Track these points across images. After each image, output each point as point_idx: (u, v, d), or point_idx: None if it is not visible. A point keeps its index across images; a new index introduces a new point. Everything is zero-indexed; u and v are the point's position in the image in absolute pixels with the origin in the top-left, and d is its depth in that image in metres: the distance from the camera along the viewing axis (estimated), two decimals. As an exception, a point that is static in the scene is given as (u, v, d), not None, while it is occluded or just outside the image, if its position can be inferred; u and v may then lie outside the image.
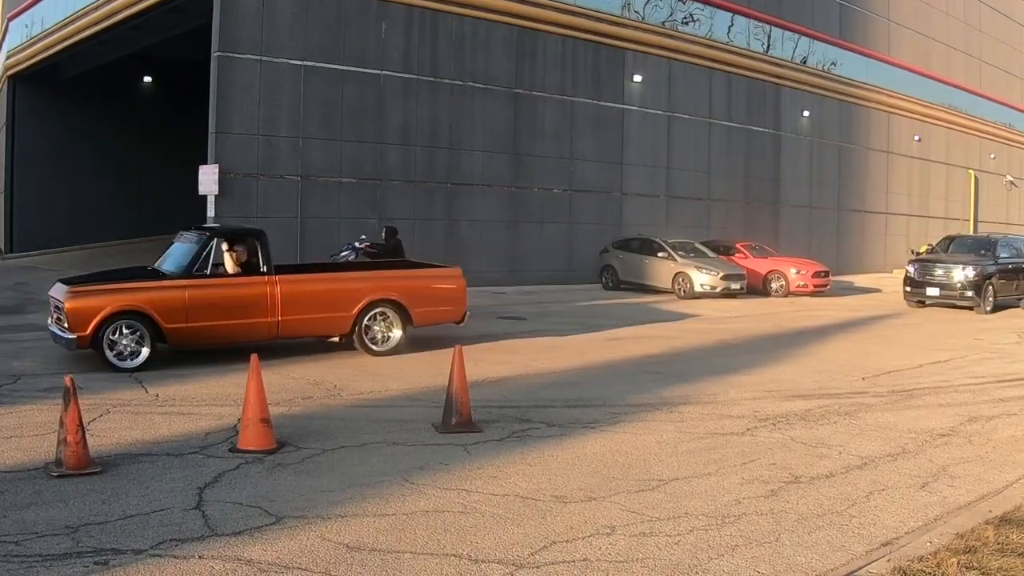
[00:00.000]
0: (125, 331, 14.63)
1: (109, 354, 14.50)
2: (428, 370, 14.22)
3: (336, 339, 16.70)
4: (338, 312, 16.00)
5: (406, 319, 16.44)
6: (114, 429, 10.60)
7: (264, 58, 27.89)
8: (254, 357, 9.69)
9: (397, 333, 16.37)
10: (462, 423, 10.47)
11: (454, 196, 31.96)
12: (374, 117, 30.05)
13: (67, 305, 14.52)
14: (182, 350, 15.45)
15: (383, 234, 23.93)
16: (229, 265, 15.93)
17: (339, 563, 6.41)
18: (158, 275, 15.68)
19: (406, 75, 30.58)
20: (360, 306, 16.07)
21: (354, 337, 16.17)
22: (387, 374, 14.42)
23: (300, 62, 28.44)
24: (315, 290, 16.13)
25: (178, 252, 16.17)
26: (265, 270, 15.74)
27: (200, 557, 6.56)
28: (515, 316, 22.98)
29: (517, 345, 18.12)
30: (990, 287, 27.78)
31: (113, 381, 13.62)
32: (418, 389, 13.02)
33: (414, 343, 16.66)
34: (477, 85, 32.16)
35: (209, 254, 15.55)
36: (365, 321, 16.16)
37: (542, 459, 9.30)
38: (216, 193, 26.87)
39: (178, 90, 42.77)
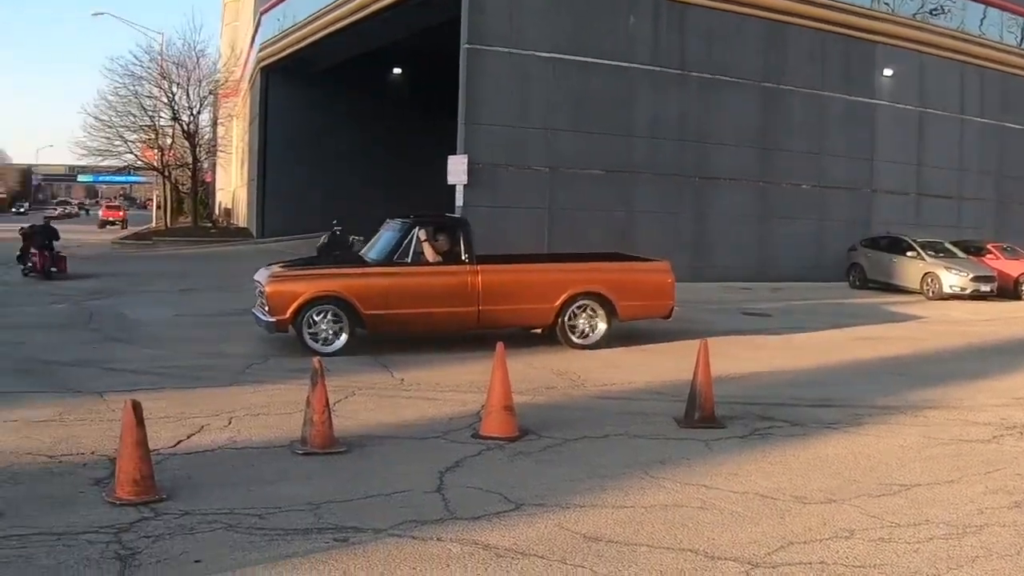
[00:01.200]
0: (324, 317, 15.07)
1: (308, 338, 14.98)
2: (672, 363, 14.16)
3: (538, 330, 16.64)
4: (540, 303, 15.92)
5: (611, 312, 16.17)
6: (359, 411, 10.98)
7: (513, 50, 28.27)
8: (500, 346, 9.86)
9: (602, 326, 16.14)
10: (704, 418, 10.39)
11: (702, 190, 31.73)
12: (622, 110, 30.07)
13: (267, 290, 15.11)
14: (404, 337, 15.98)
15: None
16: (429, 254, 15.97)
17: (575, 552, 6.44)
18: (362, 262, 16.12)
19: (654, 68, 30.51)
20: (563, 298, 15.93)
21: (556, 329, 16.06)
22: (631, 366, 14.44)
23: (548, 54, 28.71)
24: (517, 280, 16.12)
25: (382, 240, 16.58)
26: (467, 259, 15.81)
27: (438, 539, 6.69)
28: (760, 312, 22.68)
29: (762, 341, 17.89)
30: None
31: (360, 364, 14.10)
32: (661, 382, 12.98)
33: (659, 335, 16.61)
34: (725, 78, 31.80)
35: (411, 242, 15.76)
36: (568, 313, 16.03)
37: (783, 458, 9.16)
38: (465, 183, 27.38)
39: (430, 81, 43.67)
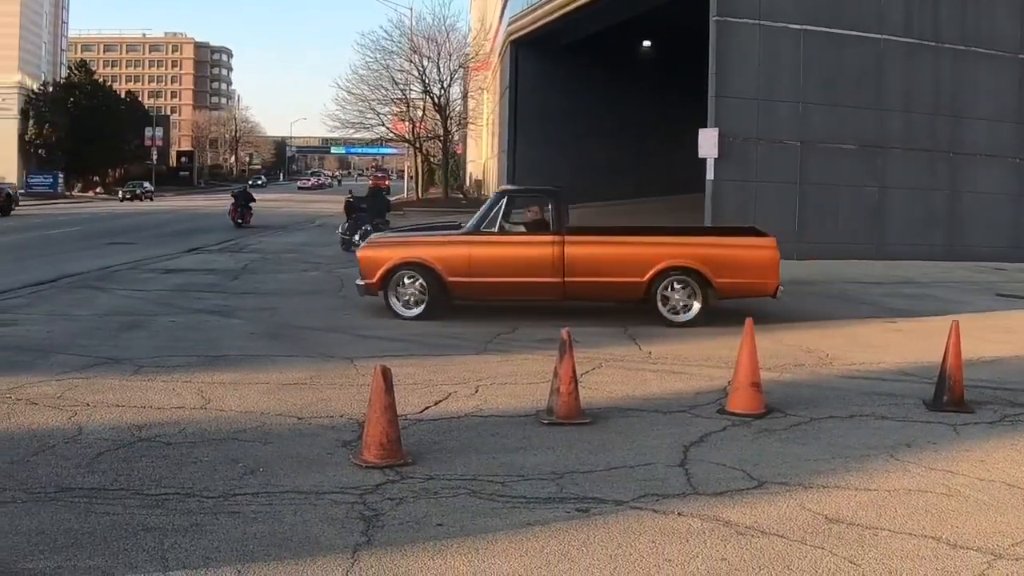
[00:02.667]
0: (412, 282, 15.81)
1: (393, 302, 15.92)
2: (923, 344, 13.83)
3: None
4: (629, 277, 15.61)
5: (707, 289, 15.62)
6: (606, 383, 11.14)
7: (763, 22, 27.97)
8: (749, 321, 9.86)
9: (696, 304, 15.65)
10: (953, 402, 10.15)
11: (956, 166, 30.66)
12: (874, 83, 29.35)
13: (360, 255, 16.30)
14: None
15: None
16: (522, 223, 16.38)
17: (816, 534, 6.44)
18: (451, 231, 16.72)
19: (906, 39, 29.61)
20: (653, 272, 15.55)
21: (652, 304, 15.74)
22: (881, 346, 14.19)
23: (799, 26, 28.27)
24: (605, 253, 15.91)
25: (479, 211, 16.85)
26: (554, 230, 15.84)
27: (679, 514, 6.76)
28: (1015, 294, 21.87)
29: (1016, 324, 17.16)
30: None
31: (608, 337, 14.30)
32: (911, 363, 12.71)
33: (908, 314, 16.23)
34: (980, 50, 30.52)
35: (497, 212, 15.96)
36: (662, 288, 15.66)
37: (1034, 447, 8.93)
38: (716, 156, 27.30)
39: (676, 54, 43.47)
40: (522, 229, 16.46)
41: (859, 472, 7.90)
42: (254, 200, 45.85)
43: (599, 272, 15.78)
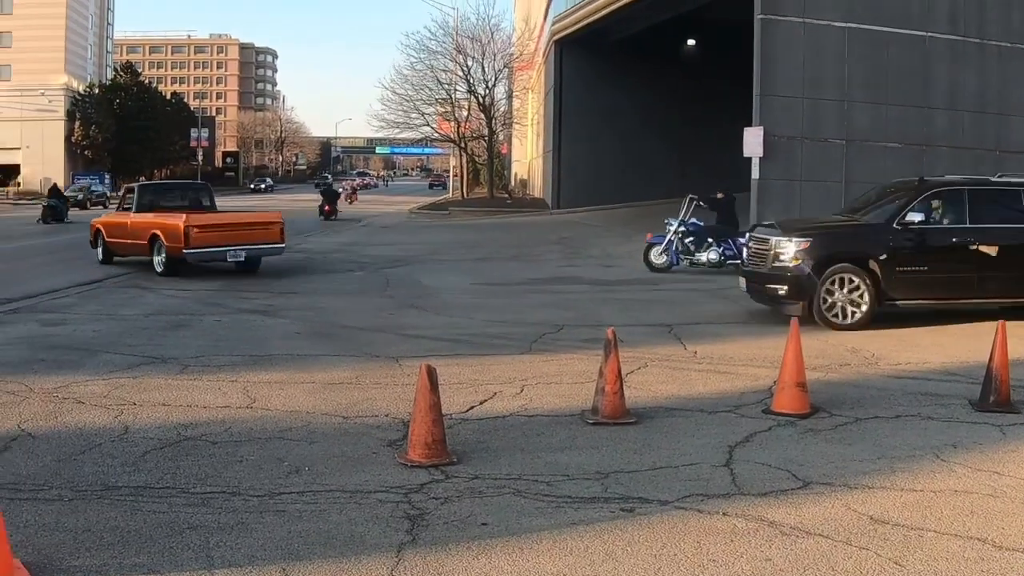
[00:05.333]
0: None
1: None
2: (970, 344, 13.75)
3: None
4: None
5: None
6: (650, 382, 11.17)
7: (807, 20, 27.82)
8: (794, 321, 9.88)
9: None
10: (1000, 402, 10.10)
11: (1002, 164, 30.31)
12: (919, 80, 29.14)
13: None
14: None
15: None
16: None
17: (861, 535, 6.44)
18: None
19: (952, 36, 29.36)
20: None
21: None
22: (927, 346, 14.11)
23: (843, 24, 28.10)
24: None
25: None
26: None
27: (724, 514, 6.79)
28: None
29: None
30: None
31: (653, 336, 14.36)
32: (957, 364, 12.64)
33: (958, 316, 16.07)
34: (1025, 47, 30.30)
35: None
36: None
37: (1082, 447, 8.86)
38: (761, 155, 27.21)
39: (721, 52, 43.35)
40: None
41: (904, 473, 7.90)
42: (338, 195, 55.21)
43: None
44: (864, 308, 15.28)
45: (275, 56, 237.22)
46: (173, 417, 9.34)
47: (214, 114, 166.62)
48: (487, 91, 63.77)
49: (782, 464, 8.03)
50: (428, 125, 67.95)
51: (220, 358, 12.37)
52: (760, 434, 9.03)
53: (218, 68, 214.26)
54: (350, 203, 68.51)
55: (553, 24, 51.01)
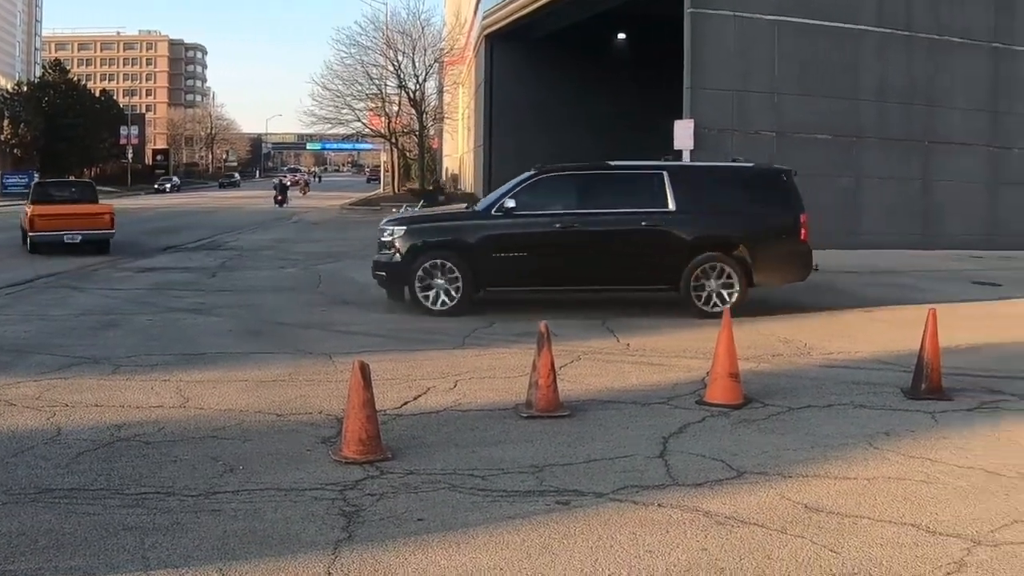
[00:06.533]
0: None
1: None
2: (900, 333, 13.87)
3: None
4: None
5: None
6: (584, 375, 11.15)
7: (737, 14, 28.06)
8: (726, 311, 9.98)
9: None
10: (931, 390, 10.19)
11: (930, 155, 30.81)
12: (848, 73, 29.51)
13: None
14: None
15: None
16: None
17: (796, 523, 6.46)
18: None
19: (880, 29, 29.75)
20: None
21: None
22: (858, 335, 14.25)
23: (773, 17, 28.37)
24: None
25: None
26: None
27: (659, 505, 6.78)
28: (991, 282, 21.97)
29: (992, 312, 17.34)
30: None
31: (586, 329, 14.30)
32: (888, 352, 12.75)
33: (888, 304, 16.21)
34: (953, 39, 30.70)
35: None
36: None
37: (1011, 433, 8.91)
38: (691, 148, 27.35)
39: (651, 46, 43.51)
40: None
41: (838, 461, 7.93)
42: (288, 188, 65.76)
43: None
44: (456, 294, 15.54)
45: (205, 52, 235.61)
46: (106, 418, 9.15)
47: (144, 111, 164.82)
48: (418, 86, 63.64)
49: (716, 455, 8.02)
50: (359, 120, 67.65)
51: (152, 357, 12.17)
52: (694, 425, 9.03)
53: (148, 65, 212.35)
54: (303, 194, 78.94)
55: (483, 19, 50.94)
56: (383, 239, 16.24)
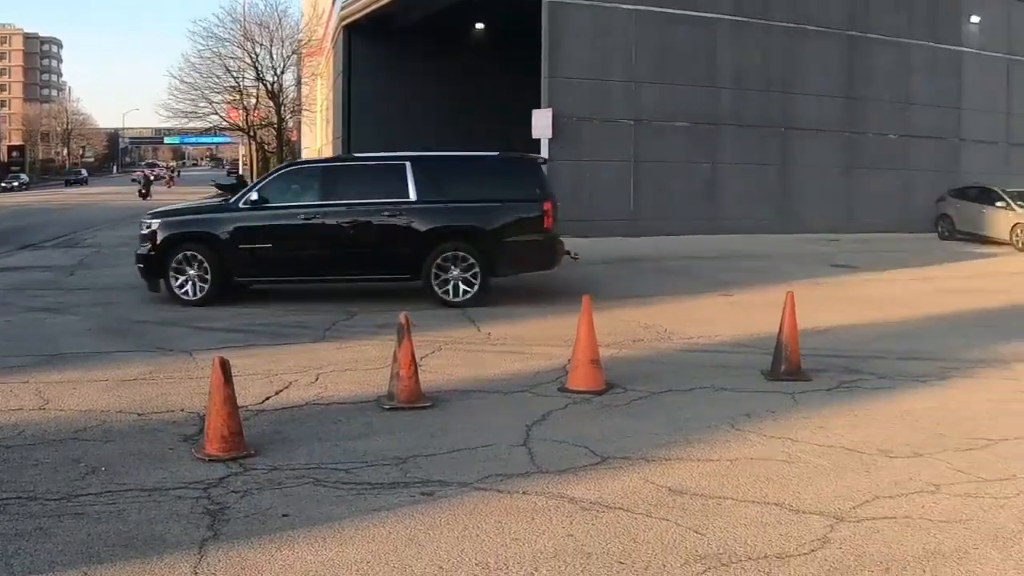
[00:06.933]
0: None
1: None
2: (759, 316, 14.08)
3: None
4: None
5: None
6: (446, 366, 11.06)
7: (595, 3, 28.22)
8: (586, 299, 9.88)
9: None
10: (791, 371, 10.33)
11: (787, 141, 31.45)
12: (706, 61, 29.93)
13: None
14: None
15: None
16: None
17: (660, 506, 6.46)
18: None
19: (738, 18, 30.26)
20: None
21: None
22: (717, 319, 14.42)
23: (631, 6, 28.60)
24: None
25: None
26: None
27: (524, 493, 6.74)
28: (847, 264, 22.48)
29: (849, 294, 17.73)
30: None
31: (447, 319, 14.21)
32: (748, 335, 12.93)
33: (746, 287, 16.43)
34: (809, 27, 31.45)
35: None
36: None
37: (869, 412, 9.08)
38: (550, 136, 27.42)
39: (511, 35, 43.58)
40: None
41: (700, 443, 7.95)
42: (153, 181, 71.13)
43: None
44: (206, 286, 15.74)
45: (60, 46, 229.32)
46: (-40, 423, 8.78)
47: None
48: (276, 78, 62.80)
49: (580, 441, 7.99)
50: (217, 114, 66.62)
51: (10, 359, 11.70)
52: (556, 412, 8.99)
53: (2, 60, 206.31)
54: (169, 187, 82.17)
55: (342, 9, 50.34)
56: (143, 232, 16.27)
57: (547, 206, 15.76)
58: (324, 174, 16.61)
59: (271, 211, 15.78)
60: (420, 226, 15.59)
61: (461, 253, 15.45)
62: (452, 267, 15.44)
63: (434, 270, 15.41)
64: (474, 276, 15.44)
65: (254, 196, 15.79)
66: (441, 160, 17.20)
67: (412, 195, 15.63)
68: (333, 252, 15.74)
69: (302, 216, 15.70)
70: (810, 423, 8.59)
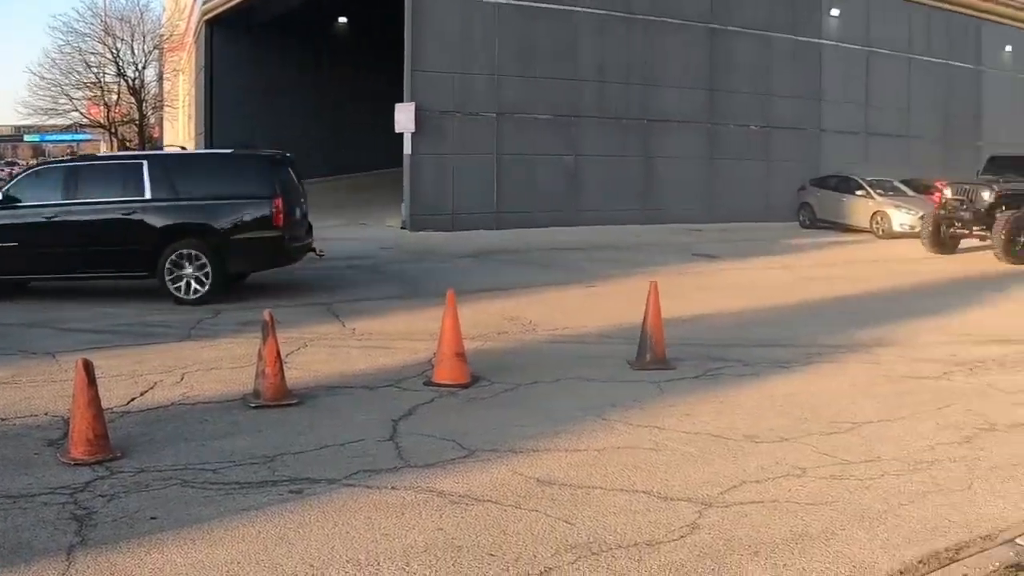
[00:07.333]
0: None
1: None
2: (623, 306, 14.13)
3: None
4: None
5: None
6: (311, 362, 10.92)
7: (458, -4, 28.15)
8: (450, 292, 9.82)
9: None
10: (656, 360, 10.42)
11: (649, 133, 31.77)
12: (569, 54, 30.05)
13: None
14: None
15: None
16: None
17: (529, 497, 6.46)
18: None
19: (600, 11, 30.48)
20: None
21: None
22: (582, 310, 14.48)
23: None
24: None
25: None
26: None
27: (392, 488, 6.70)
28: (710, 254, 22.79)
29: (712, 282, 17.97)
30: None
31: (311, 315, 14.05)
32: (613, 325, 12.99)
33: (611, 278, 16.53)
34: (671, 20, 31.85)
35: None
36: None
37: (735, 398, 9.22)
38: (413, 131, 27.29)
39: (373, 29, 43.36)
40: None
41: (568, 434, 7.96)
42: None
43: None
44: None
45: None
46: None
47: None
48: (137, 73, 61.46)
49: (446, 434, 7.95)
50: (77, 111, 65.08)
51: None
52: (423, 406, 8.94)
53: None
54: None
55: (204, 4, 49.55)
56: None
57: (278, 203, 15.63)
58: (69, 173, 16.30)
59: (20, 210, 15.63)
60: (154, 224, 15.49)
61: (193, 251, 15.38)
62: (186, 264, 15.34)
63: (168, 267, 15.33)
64: (206, 275, 15.34)
65: (1, 196, 15.63)
66: (178, 159, 17.35)
67: (147, 193, 15.54)
68: (75, 250, 15.59)
69: (46, 215, 15.56)
70: (676, 411, 8.66)
